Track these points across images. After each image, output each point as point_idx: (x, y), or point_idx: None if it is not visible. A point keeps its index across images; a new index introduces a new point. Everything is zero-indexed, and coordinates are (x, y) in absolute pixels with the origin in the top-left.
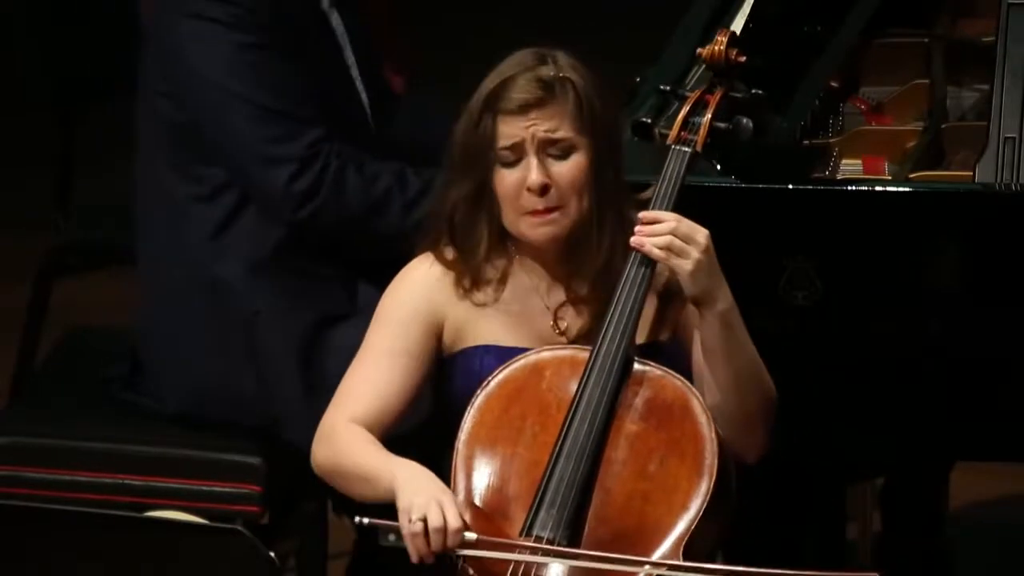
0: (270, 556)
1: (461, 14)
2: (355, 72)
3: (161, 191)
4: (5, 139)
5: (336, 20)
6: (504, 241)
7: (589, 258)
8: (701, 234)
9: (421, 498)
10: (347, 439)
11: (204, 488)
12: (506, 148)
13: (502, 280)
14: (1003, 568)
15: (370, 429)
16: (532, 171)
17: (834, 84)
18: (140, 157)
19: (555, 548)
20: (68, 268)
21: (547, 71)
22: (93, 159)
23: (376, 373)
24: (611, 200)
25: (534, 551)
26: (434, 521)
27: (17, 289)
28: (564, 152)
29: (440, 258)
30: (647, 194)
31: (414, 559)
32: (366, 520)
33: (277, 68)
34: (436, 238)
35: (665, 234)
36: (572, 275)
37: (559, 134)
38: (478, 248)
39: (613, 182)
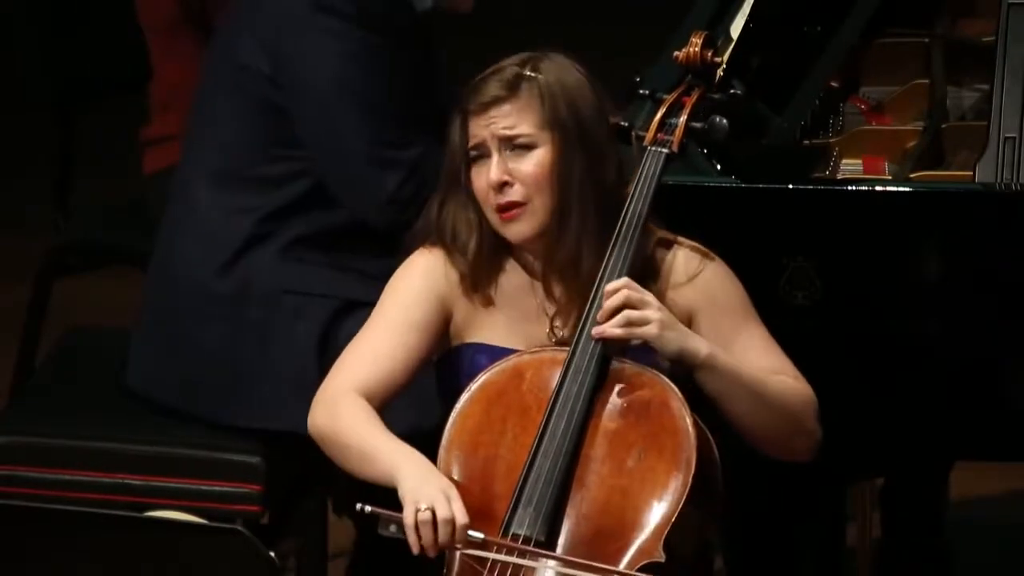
0: (270, 556)
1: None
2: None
3: (225, 159)
4: (5, 139)
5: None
6: (497, 244)
7: (559, 252)
8: (648, 294)
9: (431, 488)
10: (351, 410)
11: (204, 488)
12: (472, 148)
13: (497, 280)
14: (1003, 568)
15: (371, 398)
16: (492, 168)
17: (834, 84)
18: (196, 118)
19: (558, 556)
20: (68, 268)
21: (515, 70)
22: (93, 159)
23: (383, 343)
24: (583, 196)
25: (534, 555)
26: (443, 512)
27: (17, 289)
28: (525, 148)
29: (445, 253)
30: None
31: (415, 550)
32: (368, 508)
33: (397, 72)
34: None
35: (617, 306)
36: (562, 275)
37: (517, 130)
38: (473, 252)
39: (588, 180)
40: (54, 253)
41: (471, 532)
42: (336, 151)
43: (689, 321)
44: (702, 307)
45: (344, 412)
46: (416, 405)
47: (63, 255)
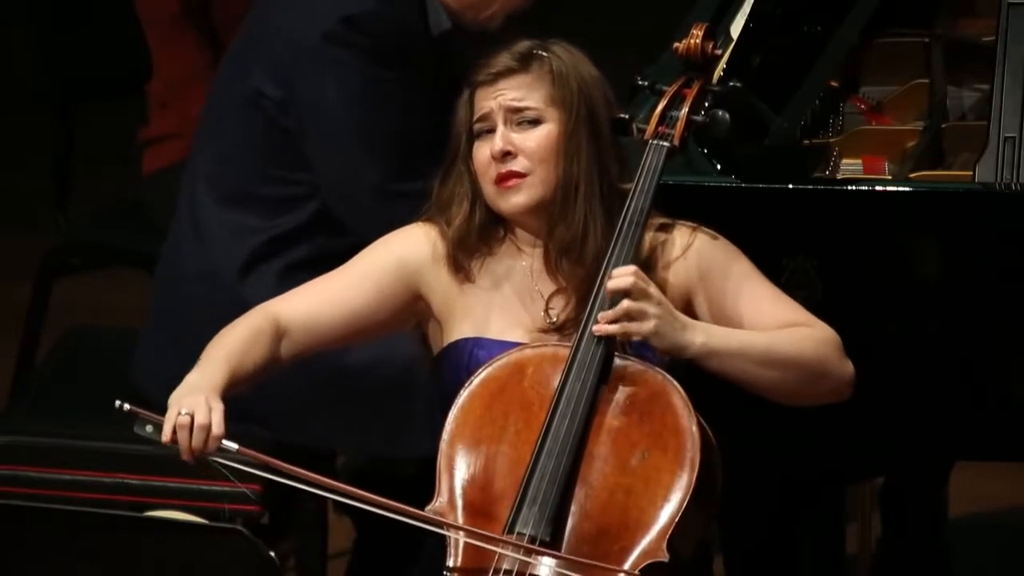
0: (270, 556)
1: None
2: None
3: (228, 174)
4: (5, 139)
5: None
6: (494, 224)
7: (563, 230)
8: (652, 287)
9: (198, 396)
10: (241, 325)
11: (204, 488)
12: (479, 120)
13: (487, 264)
14: (1003, 568)
15: (290, 330)
16: (496, 138)
17: (834, 84)
18: (203, 129)
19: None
20: (68, 268)
21: (528, 46)
22: (93, 159)
23: (331, 290)
24: (590, 176)
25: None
26: (201, 418)
27: (17, 289)
28: (531, 122)
29: (439, 228)
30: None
31: (165, 438)
32: (127, 406)
33: (410, 104)
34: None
35: (622, 288)
36: (560, 258)
37: (524, 103)
38: (461, 222)
39: (595, 163)
40: (54, 253)
41: (225, 442)
42: (345, 184)
43: (690, 295)
44: (700, 276)
45: (237, 324)
46: (433, 432)
47: (63, 255)
